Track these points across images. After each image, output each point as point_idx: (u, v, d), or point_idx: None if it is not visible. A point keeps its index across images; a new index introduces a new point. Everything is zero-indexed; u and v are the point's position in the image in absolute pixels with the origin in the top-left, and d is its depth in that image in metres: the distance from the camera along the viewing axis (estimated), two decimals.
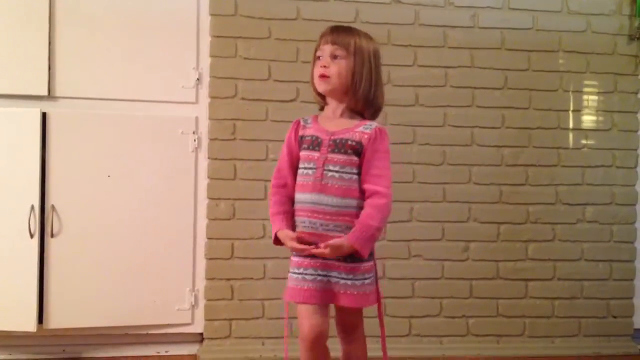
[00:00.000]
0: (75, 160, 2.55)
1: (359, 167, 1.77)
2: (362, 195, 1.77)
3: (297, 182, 1.81)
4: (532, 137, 2.85)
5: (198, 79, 2.66)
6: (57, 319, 2.55)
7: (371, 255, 1.82)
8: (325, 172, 1.75)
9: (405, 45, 2.77)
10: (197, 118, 2.66)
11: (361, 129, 1.78)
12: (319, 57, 1.80)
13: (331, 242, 1.70)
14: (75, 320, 2.57)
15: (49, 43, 2.55)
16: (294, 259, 1.81)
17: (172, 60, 2.63)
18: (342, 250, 1.71)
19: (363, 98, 1.80)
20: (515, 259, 2.84)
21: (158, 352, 2.71)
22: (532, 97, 2.85)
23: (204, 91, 2.67)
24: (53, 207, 2.53)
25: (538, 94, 2.86)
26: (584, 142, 2.89)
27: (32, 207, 2.50)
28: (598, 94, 2.90)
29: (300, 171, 1.81)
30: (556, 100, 2.87)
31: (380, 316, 1.91)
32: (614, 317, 2.89)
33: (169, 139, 2.62)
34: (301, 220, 1.78)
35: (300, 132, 1.83)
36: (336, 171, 1.75)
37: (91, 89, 2.58)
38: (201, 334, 2.69)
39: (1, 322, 2.51)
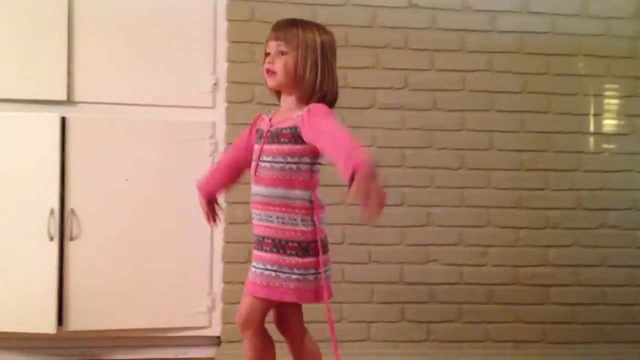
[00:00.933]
0: (94, 164, 2.58)
1: (303, 154, 1.74)
2: (301, 184, 1.75)
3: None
4: (551, 141, 2.82)
5: (215, 84, 2.69)
6: (76, 321, 2.59)
7: (305, 251, 1.76)
8: (260, 163, 1.78)
9: (422, 50, 2.76)
10: (214, 123, 2.68)
11: (297, 114, 1.74)
12: (268, 54, 1.82)
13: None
14: (94, 323, 2.60)
15: (68, 49, 2.59)
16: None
17: (189, 65, 2.66)
18: (365, 184, 1.43)
19: (309, 89, 1.79)
20: (535, 265, 2.81)
21: (176, 355, 2.72)
22: (552, 101, 2.82)
23: (221, 96, 2.69)
24: (72, 210, 2.56)
25: (557, 98, 2.83)
26: (604, 146, 2.85)
27: (52, 211, 2.53)
28: (619, 97, 2.86)
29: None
30: (576, 104, 2.84)
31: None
32: (636, 323, 2.84)
33: (186, 143, 2.64)
34: (254, 212, 1.82)
35: (257, 125, 1.89)
36: (268, 161, 1.76)
37: (109, 94, 2.62)
38: (219, 337, 2.71)
39: (22, 324, 2.55)
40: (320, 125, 1.65)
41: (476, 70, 2.79)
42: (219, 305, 2.69)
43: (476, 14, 2.79)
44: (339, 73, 2.66)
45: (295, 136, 1.73)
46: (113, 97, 2.62)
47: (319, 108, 1.73)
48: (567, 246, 2.82)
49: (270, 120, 1.83)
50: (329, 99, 1.84)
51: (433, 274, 2.77)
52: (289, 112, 1.79)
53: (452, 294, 2.78)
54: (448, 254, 2.78)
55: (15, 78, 2.58)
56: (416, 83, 2.76)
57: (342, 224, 2.72)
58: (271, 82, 1.82)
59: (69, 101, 2.60)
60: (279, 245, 1.75)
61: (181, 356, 2.73)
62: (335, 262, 2.68)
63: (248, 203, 2.63)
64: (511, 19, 2.81)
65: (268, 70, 1.80)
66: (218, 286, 2.69)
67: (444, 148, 2.78)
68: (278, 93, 1.88)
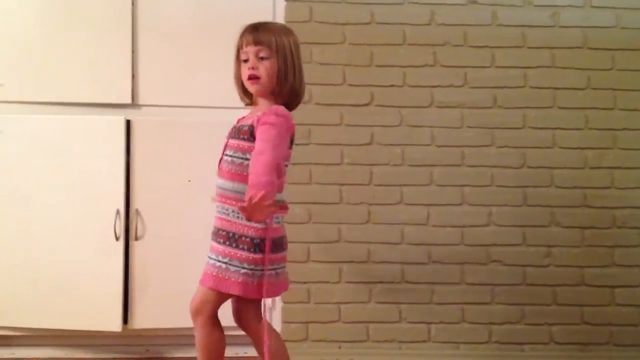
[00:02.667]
0: (158, 165, 2.63)
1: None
2: None
3: None
4: (617, 138, 2.74)
5: None
6: (141, 320, 2.64)
7: (258, 247, 1.78)
8: (223, 157, 1.84)
9: (482, 47, 2.72)
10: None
11: (257, 114, 1.80)
12: (244, 60, 1.84)
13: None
14: (158, 321, 2.65)
15: (132, 52, 2.65)
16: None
17: None
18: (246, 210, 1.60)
19: (289, 92, 1.86)
20: (601, 265, 2.73)
21: (237, 354, 2.75)
22: (617, 97, 2.74)
23: None
24: (137, 211, 2.62)
25: (623, 94, 2.74)
26: None
27: (118, 212, 2.59)
28: None
29: None
30: None
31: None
32: None
33: None
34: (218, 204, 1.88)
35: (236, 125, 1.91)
36: (229, 155, 1.82)
37: (172, 96, 2.66)
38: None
39: (88, 322, 2.62)
40: (260, 135, 1.74)
41: (538, 67, 2.73)
42: (279, 305, 2.71)
43: (537, 9, 2.73)
44: (399, 72, 2.70)
45: (252, 134, 1.78)
46: (176, 99, 2.66)
47: (270, 114, 1.77)
48: (634, 246, 2.73)
49: (238, 120, 1.91)
50: (299, 100, 1.93)
51: (495, 274, 2.72)
52: (257, 111, 1.85)
53: (515, 295, 2.72)
54: (510, 254, 2.72)
55: (82, 82, 2.65)
56: (476, 80, 2.72)
57: (400, 224, 2.70)
58: (254, 88, 1.84)
59: (134, 104, 2.66)
60: (232, 239, 1.80)
61: (242, 354, 2.75)
62: (393, 263, 2.70)
63: (305, 203, 2.68)
64: (574, 13, 2.74)
65: (251, 77, 1.81)
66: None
67: (504, 146, 2.72)
68: (250, 97, 1.93)
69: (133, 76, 2.65)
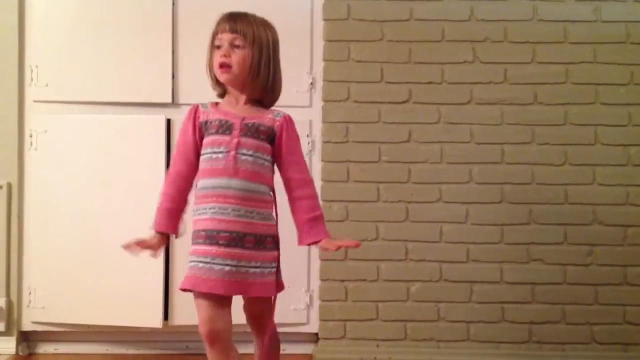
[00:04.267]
0: None
1: (272, 155, 1.77)
2: (269, 181, 1.77)
3: (203, 167, 1.74)
4: None
5: (312, 83, 2.71)
6: (181, 316, 2.67)
7: (277, 244, 1.79)
8: (238, 155, 1.70)
9: (523, 42, 2.68)
10: (310, 121, 2.70)
11: (271, 116, 1.77)
12: (217, 46, 1.76)
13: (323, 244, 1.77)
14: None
15: (173, 53, 2.68)
16: (200, 247, 1.72)
17: (287, 65, 2.62)
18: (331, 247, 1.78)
19: (262, 87, 1.77)
20: None
21: None
22: None
23: (318, 95, 2.71)
24: None
25: None
26: None
27: None
28: None
29: (206, 156, 1.74)
30: None
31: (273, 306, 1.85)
32: None
33: None
34: (209, 206, 1.70)
35: (202, 118, 1.77)
36: (250, 155, 1.71)
37: (212, 95, 2.67)
38: (316, 334, 2.73)
39: (130, 318, 2.66)
40: (295, 152, 1.78)
41: (580, 62, 2.68)
42: (317, 303, 2.71)
43: (579, 3, 2.68)
44: (438, 69, 2.67)
45: (270, 137, 1.75)
46: (215, 98, 2.66)
47: (294, 126, 1.80)
48: None
49: (224, 111, 1.78)
50: (276, 98, 1.85)
51: (535, 273, 2.69)
52: (249, 109, 1.78)
53: (556, 294, 2.69)
54: (551, 253, 2.69)
55: (124, 82, 2.69)
56: (516, 77, 2.68)
57: (439, 222, 2.68)
58: (225, 76, 1.75)
59: (174, 103, 2.69)
60: (260, 241, 1.73)
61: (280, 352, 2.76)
62: (431, 261, 2.69)
63: (343, 201, 2.68)
64: (616, 8, 2.69)
65: (222, 65, 1.73)
66: (315, 284, 2.71)
67: (545, 143, 2.69)
68: (222, 87, 1.83)
69: (173, 76, 2.68)
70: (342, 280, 2.70)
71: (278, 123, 1.77)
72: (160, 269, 2.64)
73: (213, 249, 1.68)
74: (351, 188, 2.69)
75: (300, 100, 2.69)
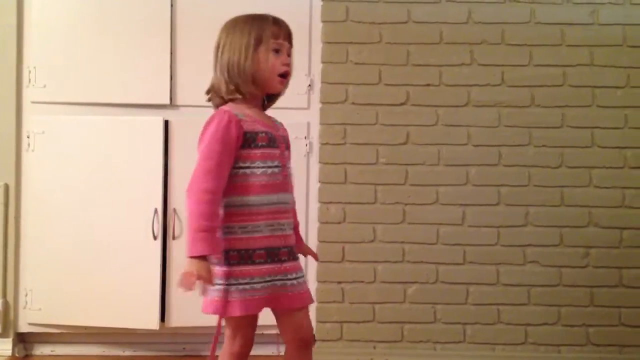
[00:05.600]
0: (194, 165, 2.64)
1: None
2: None
3: (257, 182, 1.61)
4: None
5: (310, 85, 2.71)
6: (178, 318, 2.67)
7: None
8: (288, 169, 1.69)
9: (521, 45, 2.69)
10: (308, 123, 2.71)
11: (279, 124, 1.76)
12: (276, 50, 1.65)
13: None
14: (195, 319, 2.65)
15: (171, 54, 2.68)
16: (263, 267, 1.62)
17: None
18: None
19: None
20: None
21: (272, 352, 2.76)
22: None
23: (316, 96, 2.71)
24: (175, 210, 2.65)
25: None
26: None
27: (156, 211, 2.63)
28: None
29: (261, 170, 1.61)
30: None
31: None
32: None
33: None
34: (267, 224, 1.62)
35: (245, 128, 1.61)
36: (289, 168, 1.71)
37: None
38: (313, 335, 2.72)
39: (127, 320, 2.66)
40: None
41: (577, 65, 2.69)
42: (314, 305, 2.69)
43: (577, 6, 2.69)
44: (435, 71, 2.69)
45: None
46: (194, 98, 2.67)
47: None
48: None
49: (260, 121, 1.67)
50: None
51: (531, 275, 2.70)
52: (264, 115, 1.73)
53: (551, 296, 2.70)
54: (547, 255, 2.70)
55: (122, 83, 2.68)
56: (513, 79, 2.69)
57: (436, 224, 2.69)
58: (282, 86, 1.69)
59: (172, 105, 2.69)
60: (294, 252, 1.71)
61: (277, 353, 2.76)
62: (428, 263, 2.70)
63: (340, 203, 2.68)
64: (614, 10, 2.70)
65: (287, 74, 1.68)
66: (312, 285, 2.71)
67: (542, 146, 2.70)
68: (251, 91, 1.69)
69: (171, 77, 2.68)
70: (339, 282, 2.70)
71: (287, 132, 1.78)
72: (157, 271, 2.64)
73: (277, 266, 1.63)
74: (349, 190, 2.70)
75: (298, 102, 2.69)
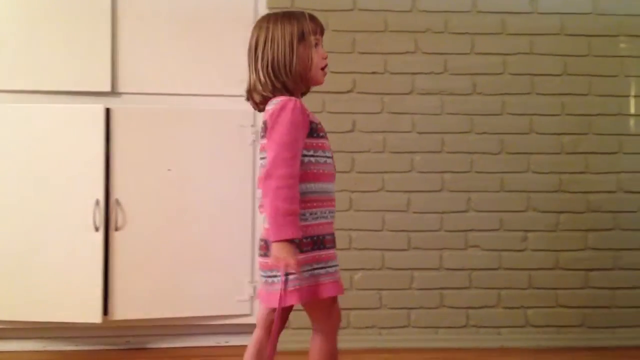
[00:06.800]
0: (138, 154, 2.59)
1: None
2: None
3: (320, 170, 1.65)
4: (592, 124, 2.79)
5: None
6: (121, 311, 2.61)
7: None
8: (328, 159, 1.70)
9: (463, 33, 2.73)
10: (254, 112, 2.66)
11: None
12: (315, 44, 1.73)
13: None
14: (139, 312, 2.62)
15: (112, 40, 2.59)
16: (331, 251, 1.66)
17: (229, 54, 2.64)
18: None
19: None
20: (576, 249, 2.79)
21: (218, 343, 2.75)
22: (593, 83, 2.79)
23: None
24: (117, 201, 2.58)
25: (598, 80, 2.79)
26: None
27: (97, 202, 2.55)
28: None
29: (321, 159, 1.66)
30: (617, 86, 2.80)
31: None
32: None
33: (227, 132, 2.65)
34: (329, 210, 1.67)
35: (311, 118, 1.66)
36: None
37: (153, 84, 2.61)
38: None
39: (68, 313, 2.58)
40: None
41: (517, 54, 2.75)
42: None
43: None
44: (381, 59, 2.69)
45: None
46: (156, 87, 2.61)
47: None
48: (608, 230, 2.80)
49: (313, 115, 1.69)
50: None
51: (473, 259, 2.77)
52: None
53: (492, 279, 2.78)
54: (488, 239, 2.77)
55: (61, 70, 2.58)
56: (456, 67, 2.73)
57: (381, 211, 2.72)
58: (324, 78, 1.77)
59: (113, 92, 2.60)
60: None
61: (223, 344, 2.75)
62: (375, 249, 2.72)
63: None
64: (552, 0, 2.76)
65: (326, 66, 1.75)
66: (259, 275, 2.69)
67: (483, 133, 2.75)
68: (299, 88, 1.75)
69: (113, 64, 2.59)
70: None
71: None
72: (99, 263, 2.57)
73: (334, 251, 1.67)
74: None
75: (242, 90, 2.64)
